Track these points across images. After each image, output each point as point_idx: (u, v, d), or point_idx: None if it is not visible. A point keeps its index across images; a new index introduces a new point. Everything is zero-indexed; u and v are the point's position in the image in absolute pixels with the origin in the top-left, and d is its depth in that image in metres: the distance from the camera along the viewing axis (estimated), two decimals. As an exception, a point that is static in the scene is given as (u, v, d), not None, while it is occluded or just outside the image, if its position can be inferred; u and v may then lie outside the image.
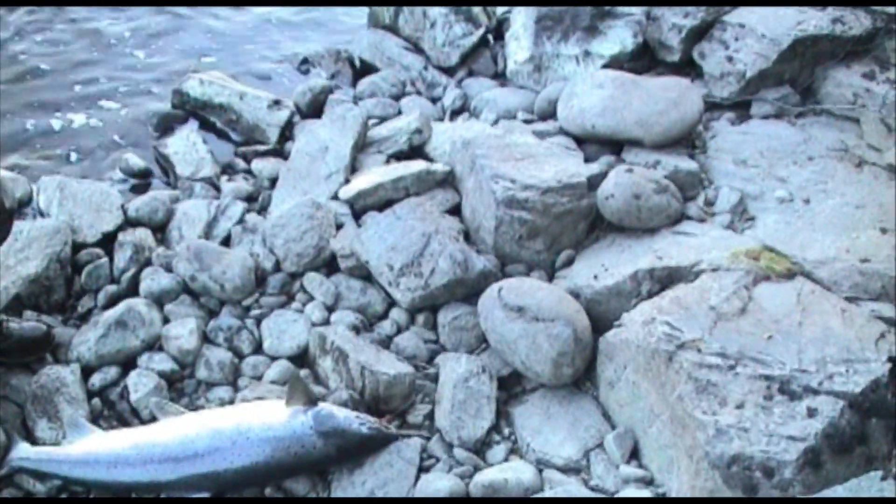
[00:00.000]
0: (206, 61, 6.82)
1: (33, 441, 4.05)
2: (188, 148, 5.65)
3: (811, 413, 3.48)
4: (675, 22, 5.54)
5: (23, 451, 3.94)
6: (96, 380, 4.30)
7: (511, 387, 4.32)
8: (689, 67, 5.62)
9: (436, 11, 6.35)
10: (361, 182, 5.02)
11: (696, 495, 3.54)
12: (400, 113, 5.94)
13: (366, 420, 3.94)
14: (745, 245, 4.31)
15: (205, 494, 3.84)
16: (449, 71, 6.32)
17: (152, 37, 7.14)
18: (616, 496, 3.79)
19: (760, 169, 4.87)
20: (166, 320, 4.51)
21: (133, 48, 6.99)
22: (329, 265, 4.77)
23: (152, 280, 4.63)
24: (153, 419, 4.11)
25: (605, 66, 5.59)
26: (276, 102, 5.94)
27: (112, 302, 4.60)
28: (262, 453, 3.83)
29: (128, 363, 4.38)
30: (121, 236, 4.87)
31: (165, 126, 6.04)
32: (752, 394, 3.57)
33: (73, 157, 5.87)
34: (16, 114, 6.26)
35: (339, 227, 4.85)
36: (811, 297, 3.96)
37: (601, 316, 4.27)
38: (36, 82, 6.61)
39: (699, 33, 5.55)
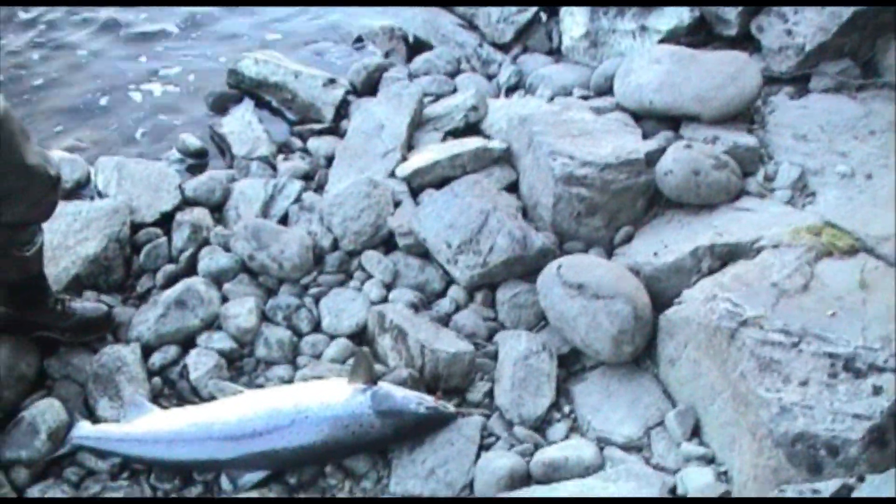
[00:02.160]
0: (261, 40, 6.82)
1: (94, 419, 4.08)
2: (244, 127, 5.67)
3: (876, 391, 3.43)
4: (733, -5, 5.49)
5: (84, 430, 3.98)
6: (156, 359, 4.33)
7: (571, 364, 4.31)
8: (746, 41, 5.53)
9: (490, -13, 6.33)
10: (418, 160, 5.02)
11: (759, 473, 3.50)
12: (455, 90, 5.91)
13: (423, 400, 3.94)
14: (806, 221, 4.26)
15: (262, 473, 3.86)
16: (504, 47, 6.29)
17: (207, 17, 7.15)
18: (675, 473, 3.78)
19: (821, 144, 4.80)
20: (225, 299, 4.53)
21: (188, 29, 7.00)
22: (387, 243, 4.77)
23: (210, 259, 4.65)
24: (213, 398, 4.14)
25: (662, 41, 5.53)
26: (331, 81, 5.94)
27: (171, 281, 4.62)
28: (320, 432, 3.85)
29: (187, 342, 4.41)
30: (178, 216, 4.89)
31: (221, 106, 6.05)
32: (817, 371, 3.53)
33: (130, 137, 5.90)
34: (71, 97, 6.29)
35: (396, 204, 4.85)
36: (874, 273, 3.91)
37: (661, 293, 4.24)
38: (91, 65, 6.64)
39: (757, 6, 5.47)
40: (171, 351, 4.35)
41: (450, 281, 4.61)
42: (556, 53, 6.17)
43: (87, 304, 4.40)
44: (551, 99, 5.60)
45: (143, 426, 3.95)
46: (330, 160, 5.36)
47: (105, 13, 7.12)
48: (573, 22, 5.95)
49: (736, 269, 4.07)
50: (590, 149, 4.62)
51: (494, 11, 6.29)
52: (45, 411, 3.98)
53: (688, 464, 3.81)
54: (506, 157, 5.06)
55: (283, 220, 4.92)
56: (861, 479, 3.16)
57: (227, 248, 4.71)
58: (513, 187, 4.95)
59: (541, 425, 4.06)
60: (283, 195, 5.01)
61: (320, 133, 5.68)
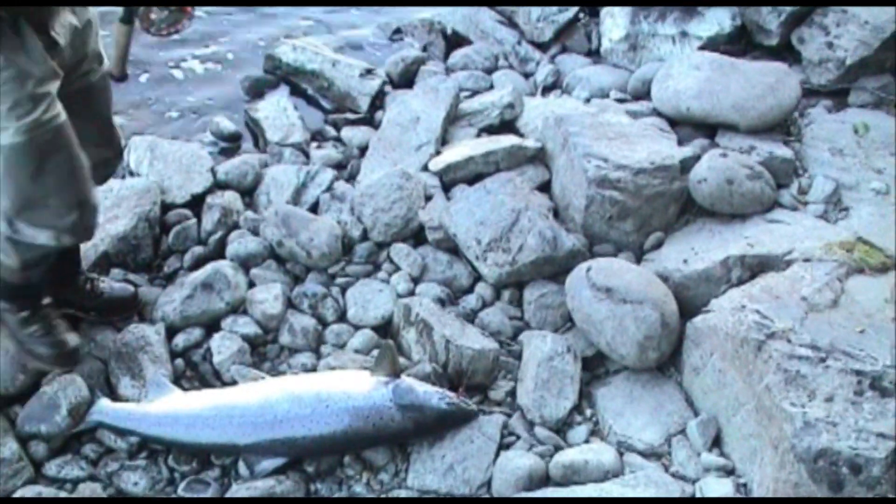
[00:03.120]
0: (299, 27, 6.82)
1: (115, 398, 4.08)
2: (279, 113, 5.66)
3: (903, 410, 3.43)
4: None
5: (104, 407, 3.98)
6: (180, 340, 4.32)
7: (595, 367, 4.30)
8: (786, 52, 5.52)
9: (531, -14, 6.32)
10: (452, 154, 5.00)
11: (780, 487, 3.49)
12: (492, 87, 5.90)
13: (445, 396, 3.93)
14: (838, 236, 4.24)
15: (281, 460, 3.85)
16: (542, 46, 6.28)
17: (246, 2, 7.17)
18: (695, 482, 3.77)
19: (857, 159, 4.79)
20: (251, 284, 4.53)
21: (226, 13, 7.01)
22: (416, 236, 4.76)
23: (239, 244, 4.65)
24: (234, 382, 4.14)
25: (702, 48, 5.52)
26: (369, 71, 5.93)
27: (198, 263, 4.62)
28: (340, 422, 3.83)
29: (212, 325, 4.40)
30: (209, 199, 4.89)
31: (257, 90, 6.06)
32: (843, 388, 3.51)
33: (165, 118, 5.91)
34: (107, 74, 6.31)
35: (428, 198, 4.83)
36: (905, 291, 3.90)
37: (689, 301, 4.23)
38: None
39: (799, 18, 5.45)
40: (196, 333, 4.35)
41: (477, 277, 4.60)
42: (594, 55, 6.16)
43: (115, 284, 4.40)
44: (588, 100, 5.58)
45: (164, 407, 3.95)
46: (363, 150, 5.35)
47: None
48: (613, 24, 5.94)
49: (766, 280, 4.06)
50: (625, 152, 4.61)
51: (535, 10, 6.28)
52: (67, 387, 3.98)
53: (707, 474, 3.80)
54: (540, 157, 5.04)
55: (314, 208, 4.91)
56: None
57: (256, 233, 4.70)
58: (545, 187, 4.93)
59: (562, 427, 4.04)
60: (314, 183, 5.00)
61: (355, 123, 5.67)
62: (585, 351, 4.26)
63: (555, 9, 6.22)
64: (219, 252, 4.70)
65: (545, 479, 3.81)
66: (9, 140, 3.28)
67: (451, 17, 6.63)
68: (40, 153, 3.35)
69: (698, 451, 3.88)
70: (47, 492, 3.75)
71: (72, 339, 4.09)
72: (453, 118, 5.43)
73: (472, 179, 4.91)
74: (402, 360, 4.15)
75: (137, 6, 3.85)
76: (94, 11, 3.63)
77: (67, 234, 3.59)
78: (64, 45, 3.39)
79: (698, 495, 3.69)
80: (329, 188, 4.98)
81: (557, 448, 3.93)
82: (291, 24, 6.89)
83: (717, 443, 3.91)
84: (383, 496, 3.84)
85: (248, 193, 5.06)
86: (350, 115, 5.75)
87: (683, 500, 3.67)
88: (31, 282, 3.91)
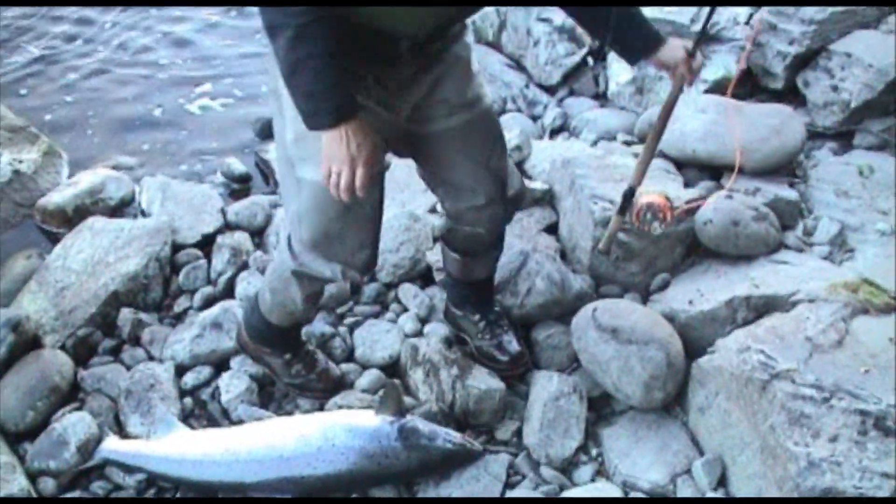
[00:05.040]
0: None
1: (124, 435, 4.12)
2: (289, 155, 5.71)
3: (906, 450, 3.44)
4: (780, 49, 5.48)
5: (112, 444, 4.02)
6: (189, 379, 4.36)
7: (601, 408, 4.30)
8: (791, 95, 5.55)
9: (539, 29, 6.35)
10: (459, 196, 5.03)
11: (785, 527, 3.51)
12: (500, 129, 5.93)
13: (451, 436, 3.94)
14: (843, 277, 4.25)
15: (288, 498, 3.89)
16: (550, 89, 6.32)
17: (254, 40, 7.25)
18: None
19: (862, 201, 4.81)
20: (261, 324, 4.55)
21: (236, 55, 7.08)
22: (424, 277, 4.80)
23: (248, 283, 4.70)
24: (241, 421, 4.17)
25: (707, 91, 5.56)
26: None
27: (208, 303, 4.67)
28: (345, 461, 3.85)
29: (221, 364, 4.44)
30: (219, 239, 4.95)
31: (267, 131, 6.08)
32: (847, 428, 3.52)
33: (177, 158, 5.97)
34: (117, 116, 6.39)
35: (435, 240, 4.86)
36: (910, 332, 3.91)
37: (695, 341, 4.24)
38: (136, 87, 6.73)
39: (804, 61, 5.48)
40: (205, 372, 4.39)
41: (485, 318, 4.61)
42: (601, 98, 6.19)
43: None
44: (595, 143, 5.62)
45: (171, 444, 3.97)
46: (372, 192, 5.37)
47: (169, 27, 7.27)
48: (621, 67, 5.97)
49: (771, 321, 4.06)
50: (631, 194, 4.64)
51: (542, 53, 6.32)
52: (76, 423, 4.03)
53: (713, 514, 3.81)
54: (547, 199, 5.07)
55: (323, 249, 4.94)
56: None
57: (265, 273, 4.73)
58: (552, 228, 4.96)
59: (567, 467, 4.05)
60: (323, 224, 5.03)
61: (364, 164, 5.69)
62: (591, 391, 4.26)
63: (563, 52, 6.26)
64: (228, 292, 4.75)
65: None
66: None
67: (461, 61, 6.66)
68: (351, 198, 3.28)
69: (703, 490, 3.87)
70: (55, 527, 3.78)
71: (334, 368, 4.30)
72: (461, 160, 5.45)
73: (480, 221, 4.92)
74: (409, 399, 4.18)
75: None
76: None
77: (355, 270, 3.70)
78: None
79: (703, 535, 3.70)
80: (338, 229, 5.01)
81: (563, 487, 3.94)
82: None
83: (722, 482, 3.91)
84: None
85: (258, 234, 5.11)
86: (359, 158, 5.76)
87: (683, 500, 3.68)
88: (299, 321, 4.15)
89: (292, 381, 4.24)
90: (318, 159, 3.19)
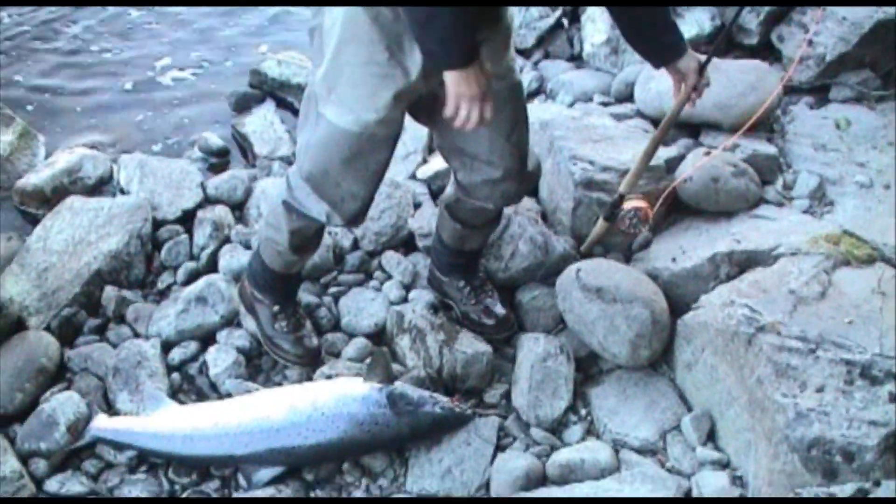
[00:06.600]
0: (282, 41, 6.85)
1: (113, 413, 4.12)
2: (266, 127, 5.72)
3: (892, 398, 3.45)
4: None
5: (102, 423, 4.01)
6: (176, 354, 4.35)
7: (588, 368, 4.32)
8: (766, 51, 5.57)
9: (512, -7, 6.34)
10: (439, 162, 5.02)
11: (775, 478, 3.52)
12: (476, 94, 5.91)
13: (439, 400, 3.96)
14: (824, 230, 4.28)
15: (279, 469, 3.89)
16: (525, 53, 6.28)
17: (226, 15, 7.21)
18: (691, 477, 3.80)
19: (840, 153, 4.83)
20: (245, 297, 4.55)
21: (209, 28, 7.05)
22: (407, 244, 4.80)
23: (231, 257, 4.69)
24: (230, 395, 4.17)
25: (682, 49, 5.55)
26: (353, 83, 5.95)
27: (191, 278, 4.66)
28: (336, 430, 3.86)
29: (207, 339, 4.43)
30: (200, 214, 4.93)
31: (243, 105, 6.09)
32: (833, 378, 3.54)
33: (153, 135, 5.94)
34: (94, 93, 6.34)
35: (417, 206, 4.88)
36: (891, 282, 3.93)
37: (679, 298, 4.26)
38: (113, 63, 6.69)
39: (778, 16, 5.49)
40: (191, 347, 4.38)
41: (469, 282, 4.62)
42: (577, 60, 6.17)
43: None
44: (572, 104, 5.61)
45: (161, 421, 3.97)
46: (351, 161, 5.37)
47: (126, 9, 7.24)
48: (594, 29, 5.96)
49: (754, 275, 4.09)
50: (610, 154, 4.64)
51: (516, 17, 6.30)
52: (65, 403, 4.02)
53: (703, 468, 3.82)
54: (526, 162, 5.06)
55: (304, 219, 4.93)
56: (877, 483, 3.19)
57: (247, 247, 4.74)
58: (533, 191, 4.95)
59: (557, 427, 4.07)
60: (304, 195, 5.03)
61: (341, 134, 5.69)
62: (578, 351, 4.28)
63: (536, 15, 6.24)
64: (211, 266, 4.73)
65: (542, 479, 3.83)
66: (345, 125, 3.46)
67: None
68: (361, 148, 3.53)
69: (693, 445, 3.91)
70: (48, 506, 3.78)
71: (315, 340, 4.28)
72: (439, 126, 5.45)
73: (460, 185, 4.92)
74: (396, 366, 4.19)
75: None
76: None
77: (341, 216, 3.76)
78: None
79: (694, 489, 3.71)
80: (318, 199, 5.00)
81: (553, 448, 3.96)
82: (278, 38, 6.93)
83: (711, 437, 3.94)
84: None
85: (239, 207, 5.10)
86: (336, 127, 5.75)
87: (682, 499, 3.70)
88: (291, 272, 4.20)
89: (273, 335, 4.24)
90: (347, 106, 3.42)
